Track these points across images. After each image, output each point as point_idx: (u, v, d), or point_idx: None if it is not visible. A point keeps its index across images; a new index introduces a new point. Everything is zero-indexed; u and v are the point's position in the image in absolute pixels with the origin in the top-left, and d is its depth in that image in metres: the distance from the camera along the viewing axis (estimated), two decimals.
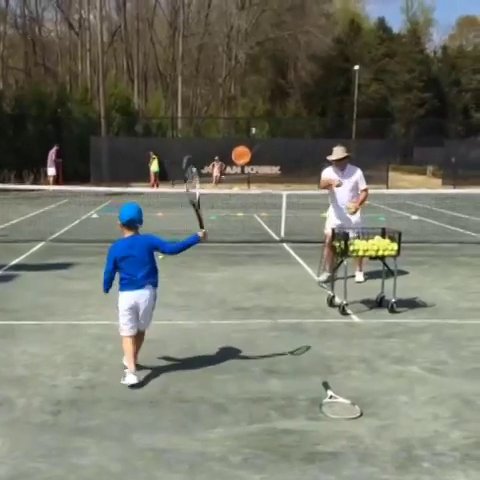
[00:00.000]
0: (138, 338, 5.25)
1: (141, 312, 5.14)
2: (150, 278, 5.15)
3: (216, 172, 31.02)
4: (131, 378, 4.99)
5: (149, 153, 29.24)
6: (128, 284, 5.11)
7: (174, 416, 4.48)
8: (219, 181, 30.73)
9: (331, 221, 8.78)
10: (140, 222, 5.21)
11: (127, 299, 5.11)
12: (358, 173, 8.79)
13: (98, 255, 10.93)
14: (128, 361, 5.11)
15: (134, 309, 5.11)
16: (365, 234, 7.39)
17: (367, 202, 9.49)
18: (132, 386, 4.94)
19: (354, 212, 8.58)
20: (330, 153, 8.69)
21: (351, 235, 7.27)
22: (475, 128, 58.22)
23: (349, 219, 8.57)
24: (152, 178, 29.15)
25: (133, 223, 5.16)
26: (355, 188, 8.74)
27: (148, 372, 5.30)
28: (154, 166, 29.22)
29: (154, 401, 4.73)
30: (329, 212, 9.04)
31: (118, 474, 3.72)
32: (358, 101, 49.23)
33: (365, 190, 8.78)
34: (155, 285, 5.20)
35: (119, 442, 4.09)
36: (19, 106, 32.52)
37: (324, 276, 8.78)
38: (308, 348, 5.84)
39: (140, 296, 5.11)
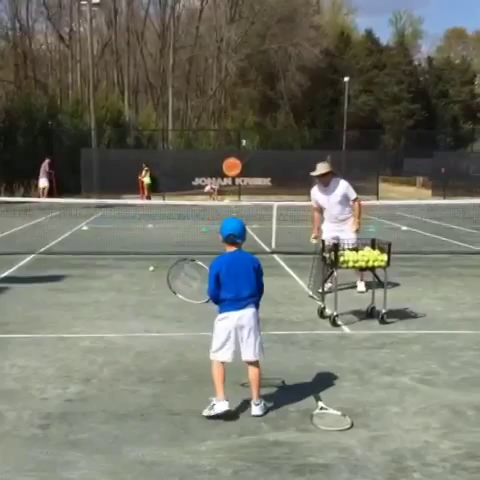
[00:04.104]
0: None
1: (244, 334, 4.73)
2: (254, 297, 4.83)
3: (212, 184, 30.81)
4: (223, 405, 4.62)
5: (142, 165, 29.22)
6: (230, 303, 4.73)
7: (164, 429, 4.47)
8: (213, 193, 30.64)
9: (325, 235, 8.76)
10: (242, 238, 4.84)
11: (227, 319, 4.72)
12: (343, 185, 8.73)
13: (89, 267, 10.95)
14: (218, 388, 4.68)
15: (234, 331, 4.72)
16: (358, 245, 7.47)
17: (364, 215, 9.46)
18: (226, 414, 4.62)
19: (358, 230, 8.61)
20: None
21: (345, 246, 7.33)
22: (464, 139, 58.67)
23: (342, 232, 8.48)
24: (145, 190, 29.09)
25: (234, 239, 4.80)
26: (344, 201, 8.71)
27: (139, 385, 5.28)
28: (147, 178, 29.22)
29: (144, 414, 4.72)
30: (323, 227, 9.00)
31: None
32: (348, 112, 49.53)
33: (355, 199, 8.79)
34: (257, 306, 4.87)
35: (109, 455, 4.08)
36: (9, 118, 32.40)
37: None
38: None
39: (243, 316, 4.73)
